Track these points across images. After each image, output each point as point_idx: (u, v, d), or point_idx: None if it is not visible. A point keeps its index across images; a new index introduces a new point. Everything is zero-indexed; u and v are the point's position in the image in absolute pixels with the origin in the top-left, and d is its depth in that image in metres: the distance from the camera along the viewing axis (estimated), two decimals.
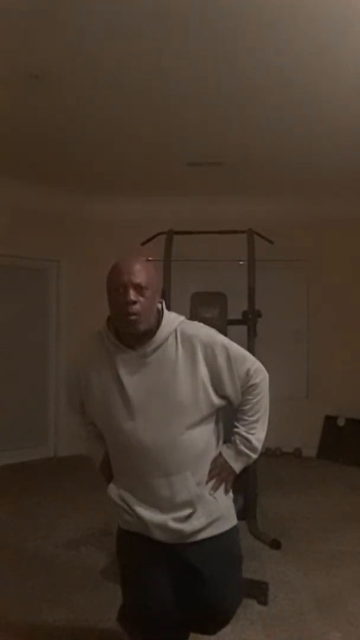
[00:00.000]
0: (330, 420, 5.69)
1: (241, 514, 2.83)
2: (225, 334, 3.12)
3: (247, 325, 3.40)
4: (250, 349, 3.25)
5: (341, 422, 5.61)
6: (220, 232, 3.77)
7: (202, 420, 1.67)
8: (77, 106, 3.56)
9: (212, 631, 1.94)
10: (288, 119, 3.73)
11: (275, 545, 3.21)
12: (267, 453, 5.44)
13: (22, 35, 2.72)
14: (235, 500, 1.85)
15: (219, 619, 1.86)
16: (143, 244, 3.81)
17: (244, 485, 3.02)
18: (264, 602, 2.56)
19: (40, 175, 4.98)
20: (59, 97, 3.42)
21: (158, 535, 1.68)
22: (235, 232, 3.63)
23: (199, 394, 1.65)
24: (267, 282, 4.20)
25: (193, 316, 3.20)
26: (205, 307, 3.27)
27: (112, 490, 1.75)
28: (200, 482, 1.69)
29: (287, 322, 5.65)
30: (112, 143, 4.22)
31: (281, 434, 5.47)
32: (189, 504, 1.67)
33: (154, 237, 3.77)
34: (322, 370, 5.70)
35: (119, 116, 3.72)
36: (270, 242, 3.70)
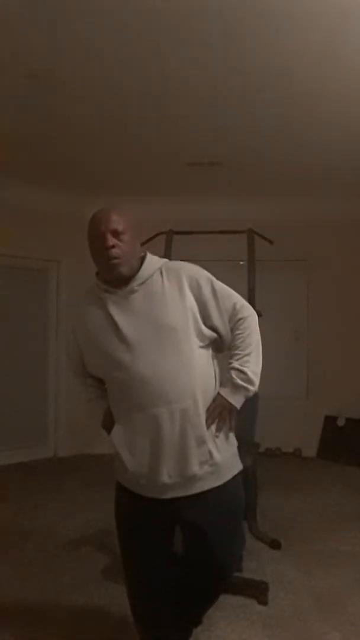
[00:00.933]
0: (330, 420, 5.69)
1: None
2: None
3: None
4: None
5: (341, 422, 5.61)
6: (220, 232, 3.77)
7: (197, 349, 1.70)
8: (77, 106, 3.55)
9: (213, 592, 1.93)
10: (288, 119, 3.73)
11: (275, 545, 3.21)
12: (267, 453, 5.44)
13: (22, 35, 2.72)
14: (240, 474, 1.85)
15: (220, 573, 1.85)
16: (143, 244, 3.80)
17: (244, 485, 3.02)
18: (264, 602, 2.56)
19: (40, 175, 4.98)
20: (59, 97, 3.42)
21: (160, 479, 1.67)
22: (235, 232, 3.63)
23: (188, 320, 1.69)
24: (267, 282, 4.20)
25: None
26: None
27: (115, 435, 1.74)
28: (201, 415, 1.68)
29: (287, 322, 5.65)
30: (112, 143, 4.22)
31: (281, 434, 5.48)
32: (192, 437, 1.66)
33: (154, 237, 3.76)
34: (322, 370, 5.70)
35: (119, 116, 3.72)
36: (270, 242, 3.70)
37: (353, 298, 5.70)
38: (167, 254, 3.58)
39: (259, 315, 3.46)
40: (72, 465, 5.22)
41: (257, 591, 2.61)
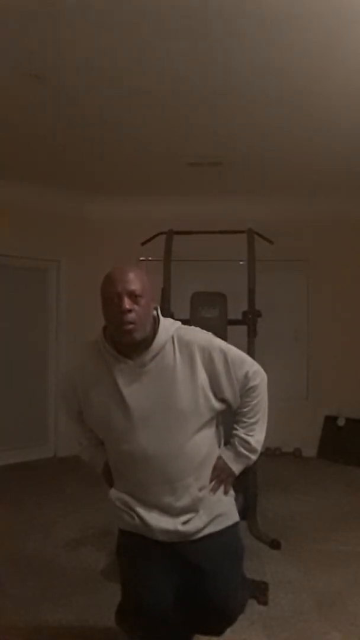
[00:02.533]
0: (330, 420, 5.69)
1: (241, 514, 2.83)
2: (225, 334, 3.14)
3: (247, 325, 3.40)
4: (250, 349, 3.26)
5: (341, 422, 5.61)
6: (220, 232, 3.77)
7: (203, 426, 1.68)
8: (77, 106, 3.56)
9: (219, 630, 1.92)
10: (288, 119, 3.73)
11: (275, 545, 3.21)
12: (267, 453, 5.43)
13: (22, 35, 2.72)
14: (235, 500, 1.85)
15: (224, 615, 1.84)
16: (143, 244, 3.82)
17: (244, 485, 3.02)
18: (264, 602, 2.56)
19: (40, 175, 4.98)
20: (59, 97, 3.42)
21: (160, 536, 1.69)
22: (235, 232, 3.63)
23: (199, 400, 1.65)
24: (267, 282, 4.20)
25: (193, 316, 3.21)
26: (205, 307, 3.28)
27: (114, 494, 1.76)
28: (203, 487, 1.70)
29: (287, 322, 5.65)
30: (112, 143, 4.22)
31: (281, 434, 5.47)
32: (192, 508, 1.68)
33: (154, 237, 3.77)
34: (322, 371, 5.70)
35: (119, 116, 3.72)
36: (270, 242, 3.70)
37: (353, 298, 5.70)
38: (167, 254, 3.58)
39: (259, 315, 3.49)
40: (72, 465, 5.19)
41: (257, 591, 2.61)
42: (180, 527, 1.67)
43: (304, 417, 5.65)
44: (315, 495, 4.30)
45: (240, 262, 4.08)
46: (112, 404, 1.66)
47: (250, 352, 3.10)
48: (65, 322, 5.60)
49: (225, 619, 1.86)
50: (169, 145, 4.28)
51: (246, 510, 3.23)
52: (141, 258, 5.19)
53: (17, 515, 3.79)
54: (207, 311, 3.25)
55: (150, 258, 4.82)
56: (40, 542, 3.31)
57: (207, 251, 4.95)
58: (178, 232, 3.69)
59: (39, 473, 4.97)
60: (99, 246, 5.62)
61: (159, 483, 1.65)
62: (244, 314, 3.45)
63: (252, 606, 2.53)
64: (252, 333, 3.39)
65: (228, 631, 2.29)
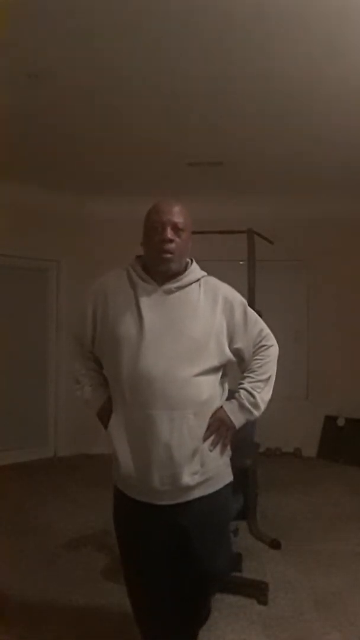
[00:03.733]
0: (330, 420, 5.69)
1: (241, 514, 2.84)
2: None
3: None
4: None
5: (341, 422, 5.61)
6: (220, 232, 3.77)
7: (210, 371, 1.69)
8: (77, 106, 3.55)
9: (205, 592, 1.93)
10: (288, 119, 3.72)
11: (275, 545, 3.21)
12: (267, 453, 5.44)
13: (22, 35, 2.72)
14: (235, 500, 1.85)
15: (209, 575, 1.86)
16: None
17: (244, 485, 3.02)
18: (264, 602, 2.56)
19: (40, 175, 4.98)
20: (59, 97, 3.42)
21: (152, 484, 1.66)
22: (235, 232, 3.63)
23: (211, 339, 1.69)
24: (267, 282, 4.20)
25: None
26: None
27: (112, 429, 1.73)
28: (201, 426, 1.68)
29: (287, 322, 5.64)
30: (112, 143, 4.22)
31: (281, 434, 5.48)
32: (188, 447, 1.65)
33: None
34: (322, 371, 5.70)
35: (119, 116, 3.72)
36: (270, 242, 3.70)
37: (353, 298, 5.70)
38: None
39: (259, 315, 3.48)
40: (72, 465, 5.21)
41: (257, 591, 2.61)
42: (174, 468, 1.64)
43: (304, 417, 5.65)
44: (315, 495, 4.30)
45: (240, 262, 4.08)
46: (129, 322, 1.68)
47: None
48: (65, 322, 5.60)
49: (210, 577, 1.87)
50: (169, 145, 4.28)
51: (246, 510, 3.24)
52: None
53: (17, 515, 3.79)
54: None
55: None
56: (41, 542, 3.31)
57: (207, 251, 4.94)
58: None
59: (39, 473, 4.97)
60: (99, 246, 5.62)
61: (159, 408, 1.63)
62: None
63: (252, 606, 2.54)
64: None
65: (228, 630, 2.31)
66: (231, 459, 1.82)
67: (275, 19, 2.56)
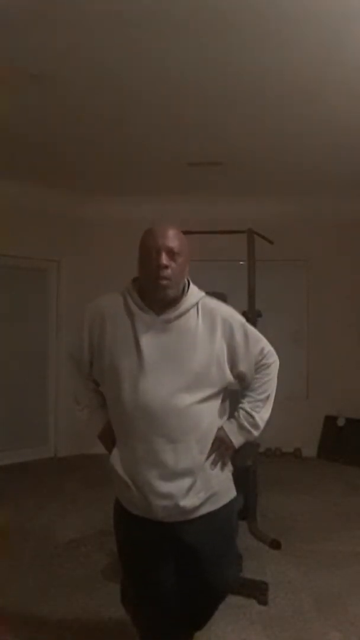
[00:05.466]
0: (330, 420, 5.69)
1: (241, 514, 2.84)
2: None
3: None
4: None
5: (341, 422, 5.61)
6: (220, 232, 3.76)
7: (211, 396, 1.68)
8: (77, 106, 3.56)
9: (210, 609, 1.93)
10: (288, 119, 3.73)
11: (275, 545, 3.21)
12: (267, 453, 5.44)
13: (22, 35, 2.72)
14: (235, 499, 1.85)
15: (216, 593, 1.86)
16: None
17: (244, 485, 3.02)
18: (264, 602, 2.56)
19: (41, 175, 4.98)
20: (59, 97, 3.42)
21: (156, 508, 1.66)
22: (235, 232, 3.63)
23: (212, 367, 1.67)
24: (267, 282, 4.20)
25: None
26: None
27: (115, 458, 1.73)
28: (203, 452, 1.68)
29: (287, 322, 5.65)
30: (112, 143, 4.22)
31: (281, 434, 5.46)
32: (190, 472, 1.66)
33: None
34: (322, 370, 5.70)
35: (119, 116, 3.72)
36: (270, 242, 3.70)
37: (353, 298, 5.70)
38: None
39: (259, 315, 3.49)
40: (72, 465, 5.21)
41: (257, 591, 2.61)
42: (177, 497, 1.64)
43: (304, 417, 5.64)
44: (315, 495, 4.30)
45: (240, 262, 4.08)
46: (127, 353, 1.65)
47: None
48: (65, 322, 5.60)
49: (216, 596, 1.88)
50: (169, 145, 4.28)
51: (246, 510, 3.24)
52: None
53: (17, 515, 3.79)
54: None
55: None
56: (40, 542, 3.31)
57: (207, 251, 4.95)
58: None
59: (39, 473, 4.97)
60: (99, 246, 5.62)
61: (161, 440, 1.62)
62: (244, 314, 3.44)
63: (252, 606, 2.54)
64: None
65: (228, 630, 2.31)
66: (232, 459, 1.82)
67: (275, 19, 2.56)
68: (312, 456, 5.64)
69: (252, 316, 3.42)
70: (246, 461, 2.61)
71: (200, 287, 3.42)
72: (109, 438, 1.78)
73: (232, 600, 2.54)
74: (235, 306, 3.50)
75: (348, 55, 2.89)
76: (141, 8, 2.49)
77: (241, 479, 1.87)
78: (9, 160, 4.55)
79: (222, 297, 3.31)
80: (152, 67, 3.04)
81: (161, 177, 5.05)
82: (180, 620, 1.87)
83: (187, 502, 1.66)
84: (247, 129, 3.94)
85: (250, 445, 3.01)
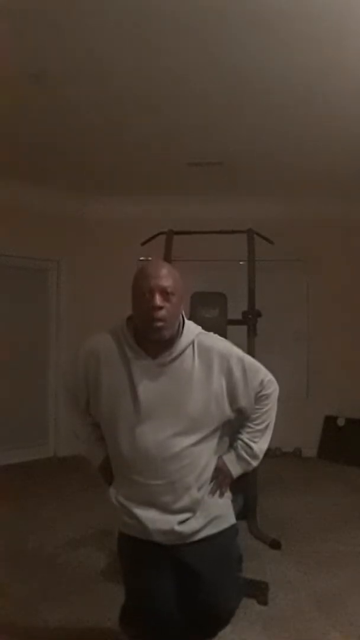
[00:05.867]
0: (330, 420, 5.69)
1: (241, 514, 2.84)
2: (225, 334, 3.14)
3: (247, 325, 3.40)
4: (250, 349, 3.25)
5: (341, 422, 5.61)
6: (220, 232, 3.77)
7: (208, 435, 1.67)
8: (77, 106, 3.56)
9: (212, 633, 1.94)
10: (288, 119, 3.73)
11: (275, 545, 3.21)
12: (267, 453, 5.38)
13: (22, 35, 2.72)
14: (235, 500, 1.85)
15: (217, 619, 1.86)
16: (143, 244, 3.82)
17: (244, 485, 3.02)
18: (264, 602, 2.56)
19: (40, 175, 4.98)
20: (59, 97, 3.42)
21: (157, 537, 1.68)
22: (235, 232, 3.63)
23: (210, 407, 1.64)
24: (267, 282, 4.20)
25: (193, 316, 3.20)
26: (205, 307, 3.27)
27: (113, 494, 1.74)
28: (202, 489, 1.69)
29: (287, 322, 5.65)
30: (112, 143, 4.22)
31: (281, 434, 5.40)
32: (189, 508, 1.67)
33: (154, 237, 3.77)
34: (322, 371, 5.70)
35: (119, 116, 3.72)
36: (271, 242, 3.70)
37: (353, 298, 5.70)
38: (167, 254, 3.58)
39: (259, 315, 3.48)
40: (72, 465, 5.21)
41: (257, 591, 2.61)
42: (177, 527, 1.66)
43: (304, 417, 5.64)
44: (315, 495, 4.30)
45: (240, 262, 4.08)
46: (123, 395, 1.64)
47: (251, 352, 3.09)
48: (65, 322, 5.60)
49: (219, 621, 1.87)
50: (169, 145, 4.28)
51: (246, 510, 3.23)
52: (141, 258, 5.18)
53: (17, 515, 3.79)
54: (207, 311, 3.24)
55: (150, 258, 4.80)
56: (40, 542, 3.31)
57: (207, 251, 4.95)
58: (178, 232, 3.69)
59: (39, 473, 4.97)
60: (99, 246, 5.62)
61: (160, 482, 1.64)
62: (244, 314, 3.45)
63: (252, 606, 2.54)
64: (252, 333, 3.39)
65: (228, 631, 2.30)
66: (231, 488, 1.83)
67: (275, 19, 2.56)
68: (312, 456, 5.64)
69: (252, 316, 3.42)
70: (245, 490, 2.59)
71: (200, 287, 3.45)
72: (108, 472, 1.79)
73: None
74: (235, 306, 3.54)
75: (348, 55, 2.89)
76: (141, 8, 2.49)
77: (241, 479, 1.87)
78: (8, 160, 4.55)
79: (222, 297, 3.33)
80: (153, 68, 3.04)
81: (161, 177, 5.05)
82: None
83: (186, 528, 1.67)
84: (247, 129, 3.94)
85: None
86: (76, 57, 2.93)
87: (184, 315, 1.70)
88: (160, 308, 1.56)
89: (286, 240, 4.89)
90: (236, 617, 2.41)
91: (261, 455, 1.78)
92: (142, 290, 1.59)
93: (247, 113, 3.65)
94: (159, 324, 1.57)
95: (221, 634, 2.27)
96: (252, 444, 1.75)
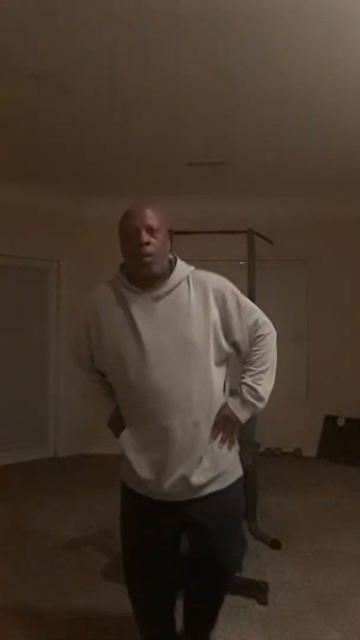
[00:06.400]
0: (330, 420, 5.69)
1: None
2: None
3: None
4: None
5: (341, 422, 5.61)
6: (220, 232, 3.76)
7: (212, 368, 1.69)
8: (77, 106, 3.56)
9: (221, 590, 1.91)
10: (288, 119, 3.73)
11: (275, 545, 3.21)
12: (267, 453, 5.44)
13: (22, 35, 2.72)
14: (242, 480, 1.85)
15: (222, 573, 1.85)
16: None
17: (244, 485, 3.02)
18: (264, 602, 2.56)
19: (41, 175, 4.98)
20: (59, 97, 3.42)
21: (166, 485, 1.67)
22: (235, 232, 3.63)
23: (210, 335, 1.68)
24: (267, 282, 4.20)
25: None
26: None
27: (124, 440, 1.73)
28: (210, 427, 1.70)
29: (287, 322, 5.64)
30: (112, 143, 4.22)
31: (281, 434, 5.48)
32: (199, 447, 1.67)
33: None
34: (322, 370, 5.70)
35: (119, 116, 3.72)
36: (270, 242, 3.70)
37: (353, 298, 5.70)
38: None
39: None
40: (72, 465, 5.22)
41: (257, 591, 2.61)
42: (187, 474, 1.65)
43: (304, 417, 5.65)
44: (315, 495, 4.30)
45: (240, 262, 4.08)
46: (126, 337, 1.67)
47: None
48: (65, 322, 5.60)
49: (223, 577, 1.86)
50: (169, 145, 4.28)
51: (246, 510, 3.23)
52: None
53: (17, 515, 3.79)
54: None
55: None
56: (40, 542, 3.31)
57: (207, 251, 4.95)
58: (178, 232, 3.68)
59: (39, 473, 4.97)
60: (99, 246, 5.59)
61: (169, 418, 1.64)
62: None
63: (252, 606, 2.54)
64: None
65: (228, 630, 2.30)
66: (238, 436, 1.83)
67: (275, 20, 2.56)
68: (312, 456, 5.64)
69: None
70: (246, 461, 2.61)
71: None
72: (117, 424, 1.78)
73: (232, 600, 2.54)
74: None
75: (348, 55, 2.89)
76: (142, 9, 2.49)
77: (242, 483, 1.87)
78: (9, 160, 4.55)
79: None
80: (153, 68, 3.04)
81: (161, 177, 5.05)
82: (195, 615, 1.88)
83: (195, 479, 1.67)
84: (247, 129, 3.94)
85: (250, 445, 3.01)
86: (76, 57, 2.93)
87: (177, 256, 1.78)
88: (147, 244, 1.64)
89: (286, 240, 4.89)
90: (236, 617, 2.43)
91: (266, 398, 1.77)
92: (128, 230, 1.68)
93: (247, 113, 3.65)
94: (148, 259, 1.65)
95: (221, 633, 2.28)
96: (255, 386, 1.75)
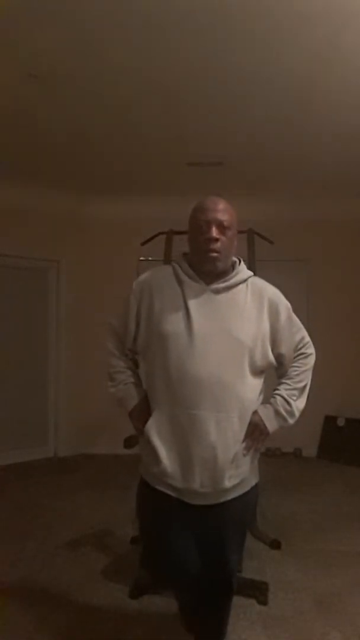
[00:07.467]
0: (330, 420, 5.69)
1: None
2: None
3: None
4: None
5: (341, 422, 5.61)
6: None
7: (254, 374, 1.69)
8: (77, 107, 3.55)
9: (226, 590, 1.87)
10: (288, 119, 3.73)
11: (275, 545, 3.21)
12: (267, 453, 5.44)
13: (22, 35, 2.72)
14: (257, 487, 1.85)
15: (230, 574, 1.83)
16: (143, 244, 3.81)
17: None
18: (264, 602, 2.56)
19: (41, 175, 4.98)
20: (58, 98, 3.42)
21: (194, 486, 1.63)
22: None
23: (257, 342, 1.68)
24: (267, 282, 4.19)
25: None
26: None
27: (151, 427, 1.67)
28: (242, 429, 1.67)
29: None
30: (112, 143, 4.22)
31: (281, 434, 5.41)
32: (229, 446, 1.64)
33: (154, 237, 3.76)
34: (322, 370, 5.66)
35: (119, 116, 3.72)
36: (271, 242, 3.70)
37: (353, 298, 5.70)
38: (167, 254, 3.58)
39: None
40: (72, 465, 5.21)
41: (257, 591, 2.61)
42: (217, 475, 1.63)
43: (304, 417, 5.59)
44: (315, 495, 4.30)
45: None
46: (176, 317, 1.65)
47: None
48: (65, 322, 5.61)
49: (229, 577, 1.83)
50: (169, 145, 4.28)
51: None
52: (141, 258, 5.19)
53: (17, 515, 3.79)
54: None
55: (150, 258, 4.82)
56: (40, 542, 3.31)
57: None
58: (178, 232, 3.68)
59: (39, 473, 4.97)
60: (99, 246, 5.63)
61: (205, 409, 1.60)
62: None
63: (252, 606, 2.54)
64: None
65: (229, 631, 2.30)
66: None
67: (276, 18, 2.56)
68: (312, 456, 5.64)
69: None
70: None
71: None
72: (140, 415, 1.74)
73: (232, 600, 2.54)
74: None
75: (348, 55, 2.89)
76: (142, 8, 2.49)
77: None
78: (9, 160, 4.55)
79: None
80: (153, 68, 3.04)
81: (161, 177, 5.05)
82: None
83: (225, 480, 1.64)
84: (247, 129, 3.94)
85: None
86: (76, 57, 2.93)
87: (240, 258, 1.79)
88: (216, 240, 1.64)
89: (286, 240, 4.89)
90: (236, 617, 2.42)
91: (298, 415, 1.78)
92: (199, 223, 1.67)
93: (247, 113, 3.65)
94: (214, 254, 1.65)
95: None
96: (290, 401, 1.76)
